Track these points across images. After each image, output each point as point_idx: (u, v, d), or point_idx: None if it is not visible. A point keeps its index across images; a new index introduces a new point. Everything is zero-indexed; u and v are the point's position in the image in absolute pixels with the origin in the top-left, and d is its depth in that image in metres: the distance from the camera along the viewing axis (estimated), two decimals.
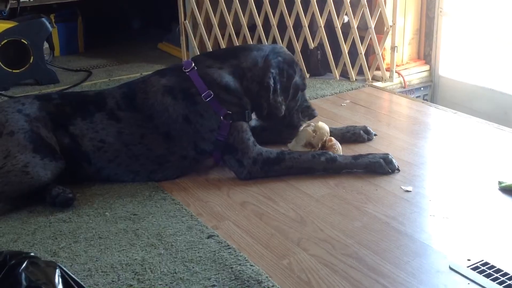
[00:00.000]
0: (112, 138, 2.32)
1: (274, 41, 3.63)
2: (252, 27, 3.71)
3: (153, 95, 2.34)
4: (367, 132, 2.67)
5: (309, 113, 2.53)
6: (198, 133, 2.32)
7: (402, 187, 2.22)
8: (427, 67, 3.77)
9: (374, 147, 2.59)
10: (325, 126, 2.47)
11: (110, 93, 2.43)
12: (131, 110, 2.35)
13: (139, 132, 2.33)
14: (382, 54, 3.49)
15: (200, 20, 3.80)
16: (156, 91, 2.34)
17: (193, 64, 2.37)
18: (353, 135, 2.64)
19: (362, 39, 3.46)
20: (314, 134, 2.43)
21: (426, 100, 3.67)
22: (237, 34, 3.73)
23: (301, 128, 2.50)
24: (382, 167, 2.30)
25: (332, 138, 2.47)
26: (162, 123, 2.33)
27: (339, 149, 2.44)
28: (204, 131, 2.32)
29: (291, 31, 3.57)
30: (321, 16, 3.48)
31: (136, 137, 2.33)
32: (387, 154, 2.35)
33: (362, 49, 3.47)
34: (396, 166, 2.32)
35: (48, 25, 3.72)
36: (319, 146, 2.43)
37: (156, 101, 2.33)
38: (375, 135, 2.69)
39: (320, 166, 2.31)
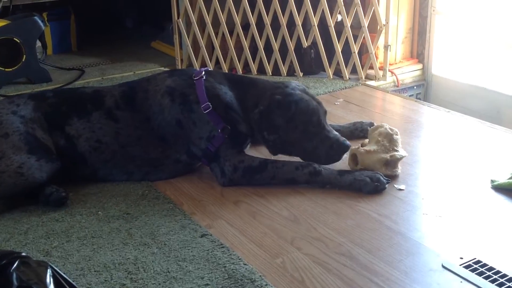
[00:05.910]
0: (109, 138, 2.31)
1: (268, 39, 3.63)
2: (246, 26, 3.70)
3: (153, 94, 2.32)
4: None
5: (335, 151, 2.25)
6: (189, 139, 2.30)
7: (395, 185, 2.22)
8: (420, 66, 3.77)
9: None
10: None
11: (109, 91, 2.40)
12: (130, 110, 2.33)
13: (136, 134, 2.31)
14: (375, 53, 3.50)
15: (193, 18, 3.79)
16: (157, 91, 2.32)
17: (203, 73, 2.34)
18: (361, 132, 2.63)
19: (355, 37, 3.46)
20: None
21: (419, 98, 3.68)
22: (231, 33, 3.73)
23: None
24: (367, 185, 2.15)
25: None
26: (158, 125, 2.31)
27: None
28: (194, 137, 2.29)
29: (284, 30, 3.57)
30: (314, 15, 3.48)
31: (134, 138, 2.31)
32: (376, 172, 2.20)
33: (355, 48, 3.48)
34: (385, 184, 2.17)
35: (41, 24, 3.70)
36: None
37: (155, 101, 2.31)
38: None
39: (302, 178, 2.21)
